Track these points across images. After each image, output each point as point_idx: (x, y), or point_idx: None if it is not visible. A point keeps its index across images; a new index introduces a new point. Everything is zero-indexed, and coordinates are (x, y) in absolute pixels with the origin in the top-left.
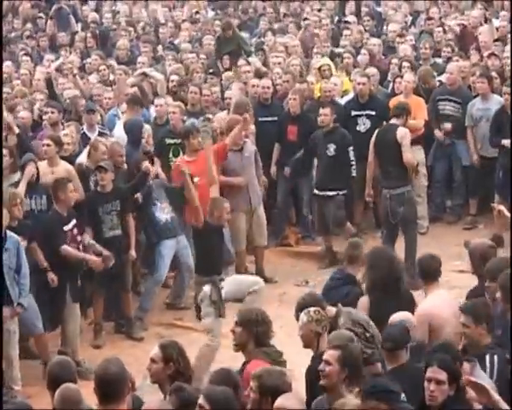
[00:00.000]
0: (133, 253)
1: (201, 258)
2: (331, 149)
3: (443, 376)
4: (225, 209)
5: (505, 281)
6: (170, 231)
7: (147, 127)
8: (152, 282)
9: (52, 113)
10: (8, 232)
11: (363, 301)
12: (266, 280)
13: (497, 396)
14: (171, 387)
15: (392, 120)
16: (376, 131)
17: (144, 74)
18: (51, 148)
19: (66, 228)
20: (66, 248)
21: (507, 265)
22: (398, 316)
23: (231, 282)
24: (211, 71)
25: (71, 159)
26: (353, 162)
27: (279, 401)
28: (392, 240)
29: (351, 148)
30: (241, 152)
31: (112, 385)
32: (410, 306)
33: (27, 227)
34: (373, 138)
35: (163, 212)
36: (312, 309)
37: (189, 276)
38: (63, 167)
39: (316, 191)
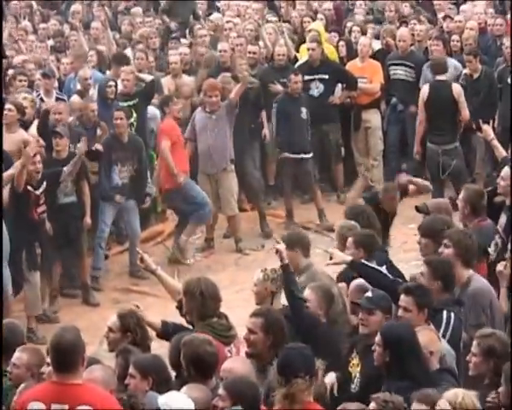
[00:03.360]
0: (88, 219)
1: None
2: (304, 111)
3: (379, 340)
4: None
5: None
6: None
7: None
8: (95, 241)
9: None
10: None
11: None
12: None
13: None
14: (118, 348)
15: (439, 77)
16: (428, 88)
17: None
18: (13, 113)
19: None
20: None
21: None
22: None
23: None
24: (173, 36)
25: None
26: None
27: (225, 365)
28: (442, 195)
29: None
30: (210, 114)
31: (67, 354)
32: None
33: None
34: (424, 95)
35: (119, 175)
36: (269, 268)
37: (137, 241)
38: (20, 136)
39: (288, 155)
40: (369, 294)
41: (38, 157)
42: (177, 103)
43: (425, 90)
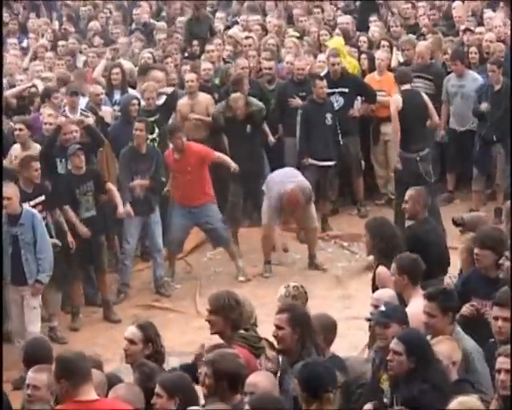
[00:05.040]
0: (121, 209)
1: None
2: (329, 117)
3: (400, 347)
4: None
5: None
6: (138, 208)
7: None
8: (122, 256)
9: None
10: (25, 207)
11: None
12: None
13: None
14: (136, 364)
15: (405, 86)
16: (399, 98)
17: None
18: (23, 132)
19: (31, 203)
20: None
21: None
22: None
23: None
24: (186, 55)
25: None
26: (339, 131)
27: (250, 379)
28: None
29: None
30: None
31: (75, 362)
32: None
33: None
34: (399, 105)
35: (138, 187)
36: (292, 284)
37: (159, 255)
38: (36, 150)
39: (314, 162)
40: (382, 308)
41: (38, 165)
42: (182, 136)
43: (398, 99)
